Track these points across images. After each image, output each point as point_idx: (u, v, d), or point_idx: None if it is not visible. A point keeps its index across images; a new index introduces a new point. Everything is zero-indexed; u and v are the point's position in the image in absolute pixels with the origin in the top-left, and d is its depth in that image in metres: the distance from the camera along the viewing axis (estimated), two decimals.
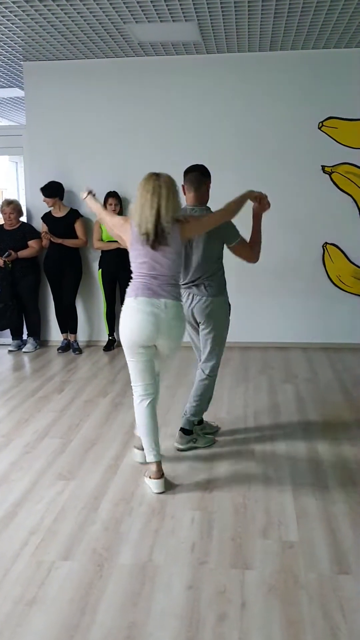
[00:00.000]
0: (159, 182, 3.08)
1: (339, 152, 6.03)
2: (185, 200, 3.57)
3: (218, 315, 3.66)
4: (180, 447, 3.72)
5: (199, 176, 3.57)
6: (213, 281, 3.62)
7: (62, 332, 6.51)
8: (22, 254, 6.20)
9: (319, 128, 6.01)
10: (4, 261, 6.12)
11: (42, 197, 6.17)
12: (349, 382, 5.10)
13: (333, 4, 4.63)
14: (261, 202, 3.55)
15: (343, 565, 2.52)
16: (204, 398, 3.78)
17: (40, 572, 2.50)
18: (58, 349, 6.38)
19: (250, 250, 3.59)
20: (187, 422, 3.75)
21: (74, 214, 6.27)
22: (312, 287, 6.29)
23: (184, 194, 3.55)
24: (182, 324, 3.28)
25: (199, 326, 3.71)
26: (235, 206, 3.40)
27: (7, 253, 6.12)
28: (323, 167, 6.07)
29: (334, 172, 6.05)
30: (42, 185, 6.15)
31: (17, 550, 2.66)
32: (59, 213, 6.24)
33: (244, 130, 6.08)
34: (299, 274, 6.28)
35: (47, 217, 6.28)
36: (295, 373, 5.42)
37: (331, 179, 6.08)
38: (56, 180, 6.22)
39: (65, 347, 6.41)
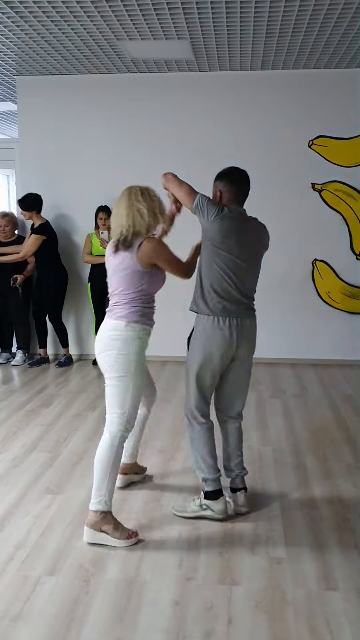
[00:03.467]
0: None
1: (329, 170, 6.10)
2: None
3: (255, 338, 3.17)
4: (248, 509, 3.11)
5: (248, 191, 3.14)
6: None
7: (40, 347, 6.41)
8: (27, 273, 6.25)
9: (309, 146, 6.08)
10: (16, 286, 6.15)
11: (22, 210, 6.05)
12: (337, 398, 5.12)
13: (323, 26, 4.71)
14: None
15: (330, 582, 2.52)
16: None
17: (26, 587, 2.48)
18: (30, 364, 6.29)
19: None
20: (243, 479, 3.18)
21: (38, 228, 6.01)
22: (301, 304, 6.32)
23: (219, 199, 3.08)
24: None
25: (231, 362, 3.08)
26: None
27: (12, 280, 6.10)
28: (313, 184, 6.13)
29: (323, 189, 6.11)
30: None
31: (2, 565, 2.63)
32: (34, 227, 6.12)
33: (234, 148, 6.13)
34: (289, 290, 6.31)
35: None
36: (283, 389, 5.43)
37: (321, 197, 6.14)
38: (48, 193, 6.23)
39: (40, 361, 6.35)
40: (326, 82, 5.96)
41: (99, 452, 2.88)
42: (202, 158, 6.15)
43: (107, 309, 3.09)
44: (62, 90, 6.24)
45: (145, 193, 3.00)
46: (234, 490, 3.15)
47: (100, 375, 5.86)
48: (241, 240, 3.00)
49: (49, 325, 6.40)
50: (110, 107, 6.23)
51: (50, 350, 6.59)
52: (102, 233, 6.05)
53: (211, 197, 3.09)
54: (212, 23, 4.66)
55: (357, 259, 6.20)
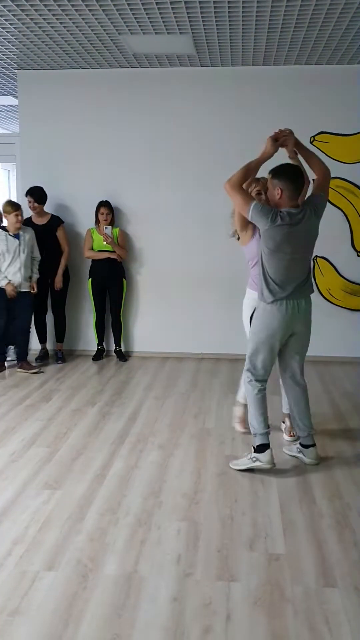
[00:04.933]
0: None
1: (331, 167, 6.02)
2: (279, 202, 3.38)
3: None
4: (316, 462, 3.65)
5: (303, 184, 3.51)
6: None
7: (41, 341, 6.41)
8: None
9: (311, 142, 6.06)
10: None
11: (29, 201, 6.01)
12: (337, 395, 5.11)
13: (326, 21, 4.68)
14: (284, 143, 3.60)
15: (329, 579, 2.51)
16: None
17: (24, 582, 2.47)
18: (36, 359, 6.28)
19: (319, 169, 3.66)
20: (310, 437, 3.68)
21: (56, 221, 6.15)
22: None
23: (280, 196, 3.35)
24: None
25: (290, 336, 3.60)
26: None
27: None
28: (314, 180, 6.09)
29: None
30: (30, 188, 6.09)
31: (0, 560, 2.63)
32: (40, 220, 6.10)
33: (236, 143, 6.11)
34: None
35: (28, 225, 6.08)
36: None
37: None
38: (49, 188, 6.21)
39: (44, 356, 6.36)
40: (328, 78, 5.94)
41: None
42: (204, 153, 6.14)
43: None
44: (63, 85, 6.22)
45: None
46: (305, 446, 3.67)
47: (99, 371, 5.88)
48: (294, 240, 3.35)
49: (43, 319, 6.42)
50: (111, 102, 6.21)
51: (32, 345, 6.59)
52: (106, 228, 6.03)
53: (269, 193, 3.47)
54: (214, 18, 4.64)
55: (358, 255, 6.18)
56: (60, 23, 4.82)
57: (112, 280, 6.24)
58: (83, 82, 6.20)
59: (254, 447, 3.54)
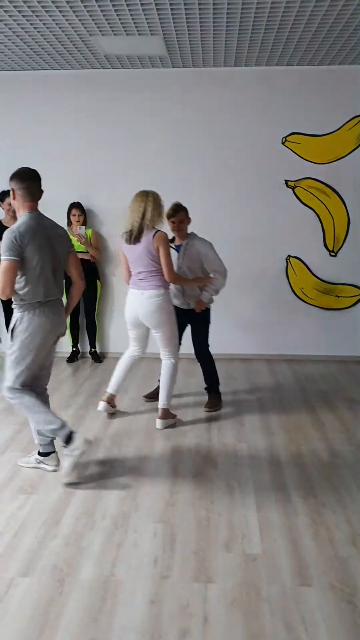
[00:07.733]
0: (147, 195, 4.02)
1: (302, 167, 6.13)
2: (15, 203, 3.38)
3: None
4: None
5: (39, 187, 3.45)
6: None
7: None
8: None
9: (283, 143, 6.10)
10: None
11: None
12: (311, 394, 5.15)
13: (296, 23, 4.72)
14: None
15: (305, 578, 2.53)
16: None
17: None
18: None
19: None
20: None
21: None
22: (275, 300, 6.35)
23: (14, 197, 3.35)
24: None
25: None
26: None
27: None
28: (286, 181, 6.15)
29: (297, 186, 6.14)
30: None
31: None
32: (11, 223, 6.02)
33: (208, 145, 6.13)
34: (263, 286, 6.34)
35: None
36: (258, 384, 5.45)
37: (294, 193, 6.16)
38: None
39: None
40: (300, 79, 5.98)
41: (167, 374, 4.36)
42: (175, 154, 6.13)
43: (133, 284, 4.28)
44: (33, 86, 6.15)
45: (156, 196, 4.06)
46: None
47: (74, 373, 5.84)
48: (47, 240, 3.36)
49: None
50: (82, 103, 6.17)
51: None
52: (80, 228, 6.00)
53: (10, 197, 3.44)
54: (185, 19, 4.64)
55: (330, 255, 6.25)
56: (30, 24, 4.78)
57: (86, 282, 6.20)
58: (53, 83, 6.15)
59: (39, 452, 3.61)
